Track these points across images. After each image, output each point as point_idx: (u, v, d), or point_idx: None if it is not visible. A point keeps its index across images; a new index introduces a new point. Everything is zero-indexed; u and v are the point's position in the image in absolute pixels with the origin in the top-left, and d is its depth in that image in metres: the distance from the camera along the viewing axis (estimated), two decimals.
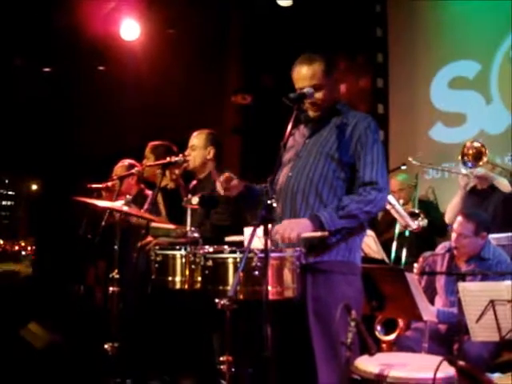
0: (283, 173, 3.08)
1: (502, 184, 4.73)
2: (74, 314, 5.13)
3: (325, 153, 2.96)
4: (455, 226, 4.06)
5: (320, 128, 3.06)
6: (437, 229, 5.34)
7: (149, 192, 4.96)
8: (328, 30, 7.42)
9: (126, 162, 5.08)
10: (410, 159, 5.64)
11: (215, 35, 7.96)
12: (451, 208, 4.93)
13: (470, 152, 4.76)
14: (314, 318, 2.89)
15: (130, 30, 7.38)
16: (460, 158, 4.83)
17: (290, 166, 3.06)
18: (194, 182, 4.33)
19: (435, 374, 2.09)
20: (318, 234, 2.79)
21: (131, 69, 7.51)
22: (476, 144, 4.78)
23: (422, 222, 5.21)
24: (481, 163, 4.69)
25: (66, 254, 6.74)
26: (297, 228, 2.76)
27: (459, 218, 4.06)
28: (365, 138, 2.92)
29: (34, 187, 9.15)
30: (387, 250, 5.13)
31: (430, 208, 5.73)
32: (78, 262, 5.64)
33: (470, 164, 4.78)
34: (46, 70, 8.06)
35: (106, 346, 3.61)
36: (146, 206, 4.17)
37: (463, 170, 4.86)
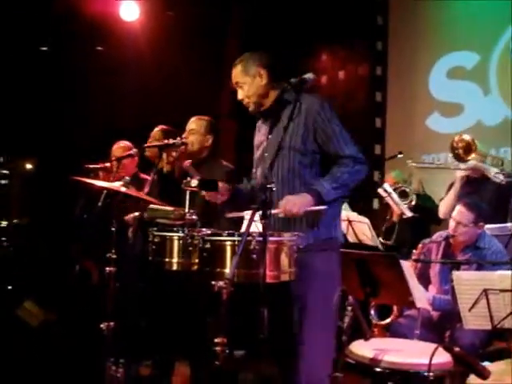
0: (260, 173, 3.22)
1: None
2: (70, 294, 5.13)
3: (286, 147, 3.03)
4: (454, 214, 4.07)
5: (275, 122, 3.15)
6: (433, 217, 5.40)
7: (143, 175, 4.97)
8: (328, 16, 7.42)
9: (124, 143, 5.08)
10: (408, 162, 5.65)
11: (214, 18, 7.92)
12: (446, 203, 4.91)
13: (460, 145, 4.78)
14: (301, 298, 2.96)
15: (130, 10, 7.36)
16: (450, 152, 4.86)
17: (262, 167, 3.19)
18: (187, 162, 4.36)
19: (431, 360, 2.12)
20: (318, 207, 2.90)
21: (130, 49, 7.47)
22: (465, 137, 4.80)
23: (413, 200, 5.61)
24: (471, 157, 4.71)
25: (60, 234, 6.73)
26: (300, 203, 2.87)
27: (459, 207, 4.07)
28: (321, 121, 3.00)
29: (29, 166, 9.09)
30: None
31: (424, 200, 5.90)
32: (73, 242, 5.63)
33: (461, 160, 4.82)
34: (43, 48, 8.00)
35: (101, 326, 3.62)
36: (146, 190, 4.15)
37: (461, 165, 4.88)
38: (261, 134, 3.28)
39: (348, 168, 2.98)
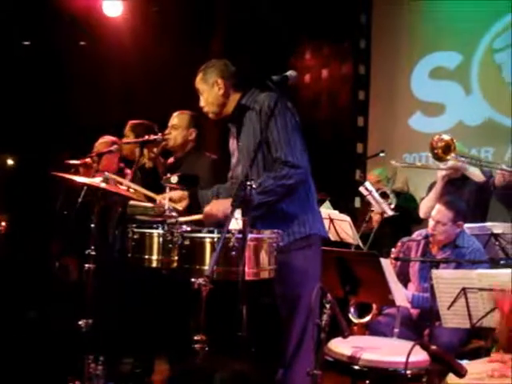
0: (237, 174, 3.24)
1: (474, 174, 4.77)
2: (49, 290, 5.09)
3: (254, 150, 3.00)
4: (434, 213, 4.09)
5: (240, 128, 3.20)
6: (414, 218, 5.41)
7: (128, 171, 4.93)
8: (313, 14, 7.41)
9: (108, 138, 5.03)
10: (392, 162, 5.65)
11: (199, 14, 7.89)
12: (427, 202, 4.92)
13: (439, 145, 4.79)
14: (280, 299, 3.02)
15: (113, 6, 7.32)
16: (430, 152, 4.86)
17: (237, 171, 3.24)
18: (171, 160, 4.39)
19: (407, 358, 2.13)
20: None
21: (113, 45, 7.43)
22: (444, 137, 4.81)
23: (392, 203, 5.56)
24: (450, 156, 4.72)
25: (40, 231, 6.69)
26: (222, 209, 3.00)
27: (439, 206, 4.09)
28: (266, 119, 2.97)
29: (10, 162, 9.02)
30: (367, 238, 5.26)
31: (406, 200, 5.88)
32: (52, 239, 5.58)
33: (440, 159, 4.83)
34: (26, 43, 7.93)
35: (80, 323, 3.59)
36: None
37: (441, 165, 4.89)
38: (233, 140, 3.31)
39: (276, 173, 2.98)
